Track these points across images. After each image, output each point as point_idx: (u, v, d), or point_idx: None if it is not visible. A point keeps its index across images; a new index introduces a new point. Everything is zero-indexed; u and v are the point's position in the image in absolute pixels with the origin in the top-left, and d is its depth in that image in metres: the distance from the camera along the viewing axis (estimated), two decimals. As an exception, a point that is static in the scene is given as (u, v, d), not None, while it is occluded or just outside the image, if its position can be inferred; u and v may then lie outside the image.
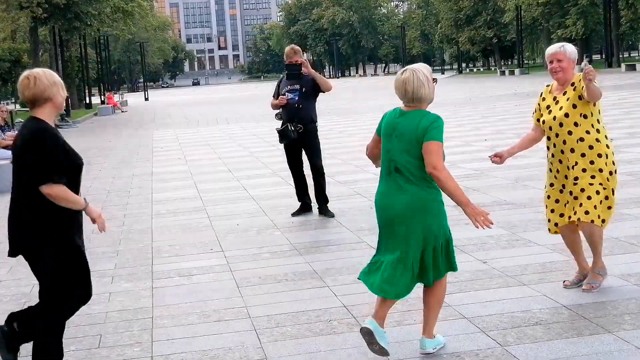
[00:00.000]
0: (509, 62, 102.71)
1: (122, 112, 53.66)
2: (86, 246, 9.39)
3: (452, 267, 5.08)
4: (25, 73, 4.77)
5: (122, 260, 8.52)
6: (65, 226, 4.66)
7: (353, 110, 35.36)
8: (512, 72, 77.07)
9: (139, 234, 10.00)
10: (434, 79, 5.03)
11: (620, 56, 77.25)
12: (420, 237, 4.86)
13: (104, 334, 5.97)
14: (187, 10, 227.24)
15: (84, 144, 26.21)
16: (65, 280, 4.65)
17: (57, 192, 4.52)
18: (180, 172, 16.42)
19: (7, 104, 28.24)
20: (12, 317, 4.82)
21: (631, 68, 61.48)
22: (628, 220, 8.37)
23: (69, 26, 52.61)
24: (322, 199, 10.12)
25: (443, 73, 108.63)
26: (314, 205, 10.25)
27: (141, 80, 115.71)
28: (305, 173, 10.26)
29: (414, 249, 4.86)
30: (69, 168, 4.63)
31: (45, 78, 4.66)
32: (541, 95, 6.30)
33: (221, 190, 13.27)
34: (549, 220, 6.21)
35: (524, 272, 6.73)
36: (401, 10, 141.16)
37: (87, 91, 66.10)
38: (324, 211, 10.06)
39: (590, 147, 5.83)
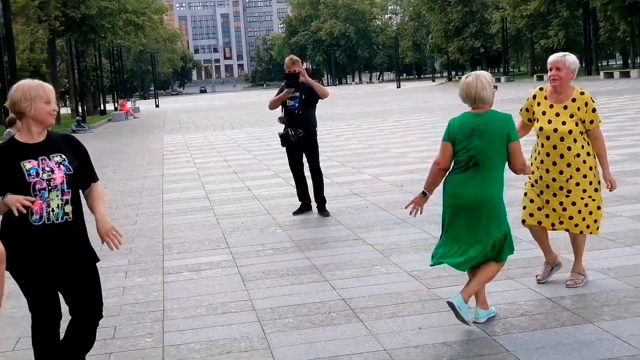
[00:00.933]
0: (496, 70, 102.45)
1: (134, 118, 53.74)
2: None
3: (503, 256, 5.33)
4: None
5: (135, 257, 8.50)
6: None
7: (349, 115, 35.36)
8: (498, 80, 76.83)
9: (151, 232, 9.99)
10: (494, 85, 5.24)
11: (599, 64, 77.29)
12: (486, 225, 5.17)
13: (118, 326, 5.96)
14: (195, 22, 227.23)
15: (99, 148, 26.18)
16: None
17: None
18: (189, 174, 16.41)
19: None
20: None
21: (609, 76, 61.66)
22: (607, 218, 8.37)
23: (85, 38, 52.68)
24: (321, 200, 10.13)
25: (434, 80, 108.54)
26: (314, 205, 10.26)
27: (152, 88, 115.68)
28: (305, 174, 10.27)
29: (480, 234, 5.18)
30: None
31: (21, 91, 4.14)
32: (535, 98, 6.08)
33: (227, 190, 13.27)
34: (530, 215, 6.05)
35: (510, 267, 6.69)
36: (394, 22, 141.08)
37: (101, 99, 66.24)
38: (322, 211, 10.07)
39: (584, 162, 5.81)
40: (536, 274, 6.34)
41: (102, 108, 63.79)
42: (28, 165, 4.09)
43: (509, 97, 35.96)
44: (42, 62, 53.44)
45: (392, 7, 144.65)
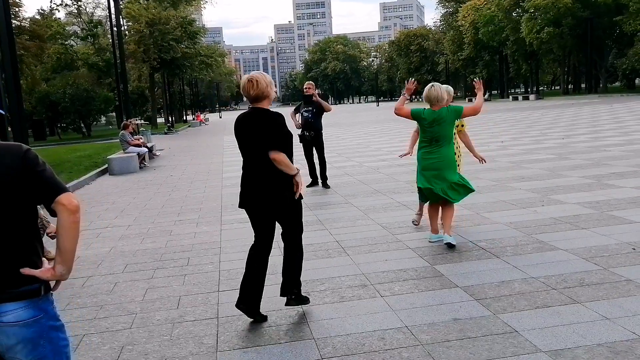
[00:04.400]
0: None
1: (206, 125, 53.57)
2: (184, 204, 9.41)
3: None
4: (247, 76, 3.86)
5: (203, 213, 8.51)
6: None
7: (345, 123, 35.16)
8: (442, 101, 76.72)
9: (214, 197, 10.00)
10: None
11: (509, 91, 76.81)
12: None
13: (190, 257, 5.97)
14: (245, 62, 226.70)
15: (182, 144, 26.19)
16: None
17: (281, 158, 3.88)
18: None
19: (136, 119, 28.10)
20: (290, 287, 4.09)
21: (515, 99, 61.32)
22: (509, 190, 8.32)
23: (173, 72, 52.45)
24: (324, 178, 10.09)
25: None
26: (320, 181, 10.22)
27: (217, 105, 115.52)
28: (314, 161, 10.23)
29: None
30: (286, 142, 3.94)
31: (263, 80, 3.85)
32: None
33: (264, 171, 13.22)
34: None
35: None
36: (375, 63, 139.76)
37: (184, 112, 66.14)
38: (325, 185, 10.04)
39: (457, 148, 6.20)
40: (460, 225, 6.31)
41: (184, 118, 63.74)
42: None
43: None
44: (145, 88, 53.39)
45: (374, 53, 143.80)
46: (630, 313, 3.69)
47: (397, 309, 4.06)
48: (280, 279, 4.24)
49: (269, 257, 4.19)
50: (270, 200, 3.91)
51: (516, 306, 3.94)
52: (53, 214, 2.04)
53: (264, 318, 4.05)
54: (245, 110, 4.05)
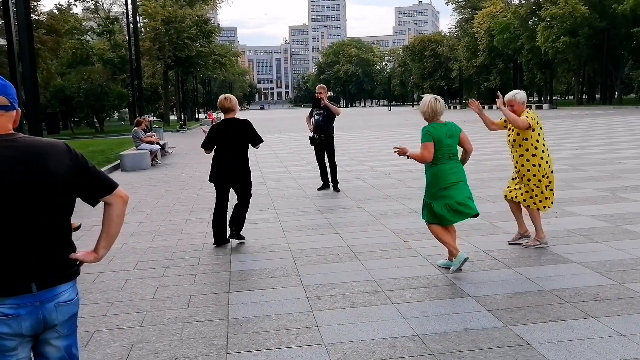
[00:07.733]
0: (454, 101, 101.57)
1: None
2: (195, 203, 9.41)
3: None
4: (224, 95, 6.52)
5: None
6: None
7: (356, 127, 35.10)
8: (455, 108, 76.41)
9: (225, 197, 10.00)
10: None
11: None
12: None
13: (201, 257, 5.97)
14: (258, 63, 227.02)
15: (193, 142, 26.20)
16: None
17: None
18: (250, 161, 16.32)
19: (149, 116, 28.03)
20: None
21: (528, 107, 60.23)
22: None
23: (187, 71, 52.76)
24: (335, 181, 10.07)
25: (413, 106, 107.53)
26: (331, 184, 10.20)
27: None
28: (325, 164, 10.21)
29: None
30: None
31: (234, 100, 6.40)
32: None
33: (275, 173, 13.23)
34: (511, 192, 5.76)
35: (462, 229, 6.64)
36: (388, 67, 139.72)
37: (196, 110, 66.36)
38: (336, 188, 10.02)
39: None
40: (474, 234, 6.24)
41: (196, 117, 64.02)
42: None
43: (462, 119, 35.64)
44: (159, 85, 53.64)
45: (387, 57, 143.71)
46: (646, 330, 3.64)
47: (408, 316, 4.03)
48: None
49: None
50: (248, 175, 6.53)
51: (529, 318, 3.90)
52: (94, 205, 2.30)
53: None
54: (230, 117, 6.53)
